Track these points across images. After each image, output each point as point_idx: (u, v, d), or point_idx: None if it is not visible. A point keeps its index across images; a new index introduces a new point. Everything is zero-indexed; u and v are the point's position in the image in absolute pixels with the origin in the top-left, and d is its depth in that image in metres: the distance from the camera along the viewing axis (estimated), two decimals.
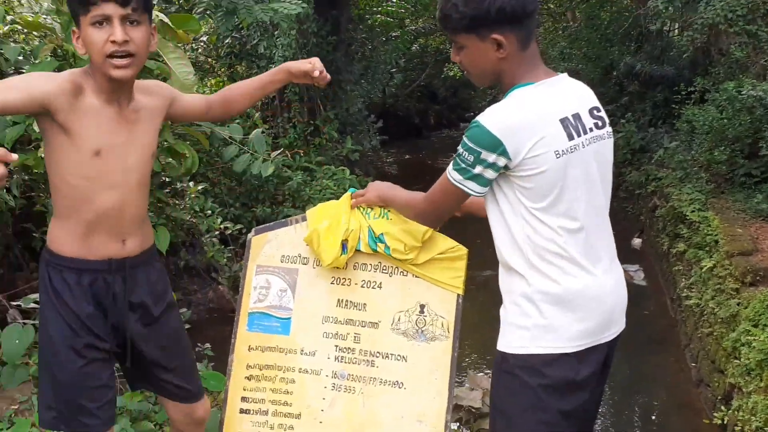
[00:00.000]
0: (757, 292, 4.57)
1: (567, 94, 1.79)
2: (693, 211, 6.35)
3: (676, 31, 10.99)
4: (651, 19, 9.34)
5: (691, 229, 6.28)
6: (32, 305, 3.93)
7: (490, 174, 1.70)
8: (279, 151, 5.03)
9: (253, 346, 2.31)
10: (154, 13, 2.89)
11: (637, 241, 8.21)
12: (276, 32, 8.80)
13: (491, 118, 1.69)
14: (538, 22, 1.71)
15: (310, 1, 8.49)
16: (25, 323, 3.29)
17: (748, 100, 6.38)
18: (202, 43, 10.11)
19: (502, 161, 1.68)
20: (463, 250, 2.25)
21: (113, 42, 1.76)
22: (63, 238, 1.95)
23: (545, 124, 1.69)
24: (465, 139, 1.72)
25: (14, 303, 4.15)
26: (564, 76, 1.83)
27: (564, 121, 1.72)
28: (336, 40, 9.98)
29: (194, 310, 6.20)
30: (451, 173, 1.75)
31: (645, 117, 10.59)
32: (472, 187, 1.73)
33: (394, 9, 14.36)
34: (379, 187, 2.23)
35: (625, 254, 7.47)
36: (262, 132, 4.52)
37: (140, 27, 1.82)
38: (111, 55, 1.77)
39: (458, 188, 1.74)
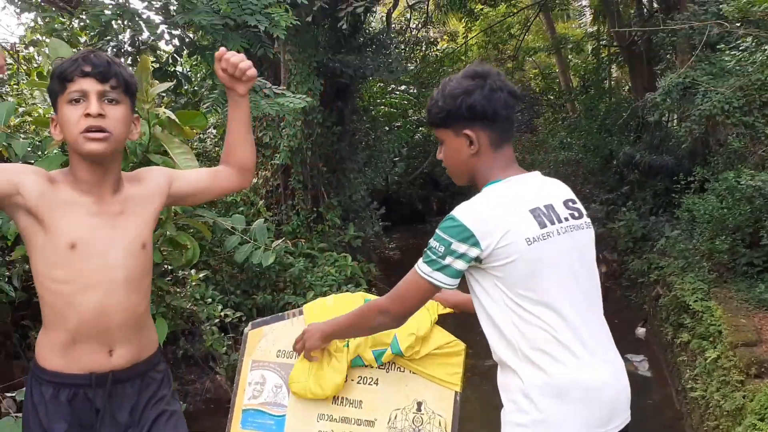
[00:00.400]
0: (762, 384, 4.50)
1: (538, 187, 1.88)
2: (696, 301, 6.31)
3: (675, 121, 11.22)
4: (649, 111, 9.55)
5: (695, 318, 6.23)
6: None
7: (460, 265, 1.75)
8: (281, 240, 5.06)
9: None
10: (161, 110, 2.99)
11: (641, 331, 8.11)
12: (282, 123, 9.00)
13: (463, 211, 1.78)
14: (512, 130, 1.80)
15: (316, 93, 8.75)
16: (17, 416, 3.23)
17: (748, 189, 6.46)
18: (210, 134, 10.36)
19: (473, 252, 1.73)
20: (461, 346, 2.24)
21: (87, 115, 1.69)
22: (45, 348, 1.82)
23: (515, 214, 1.77)
24: (438, 231, 1.79)
25: (9, 394, 4.10)
26: (536, 174, 1.93)
27: (534, 211, 1.79)
28: (341, 130, 10.21)
29: (191, 401, 6.10)
30: (420, 266, 1.81)
31: (646, 205, 10.67)
32: (440, 278, 1.77)
33: (397, 100, 14.75)
34: (315, 329, 2.16)
35: (629, 344, 7.40)
36: (265, 221, 4.56)
37: (119, 106, 1.76)
38: (86, 130, 1.70)
39: (427, 281, 1.79)
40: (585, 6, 17.40)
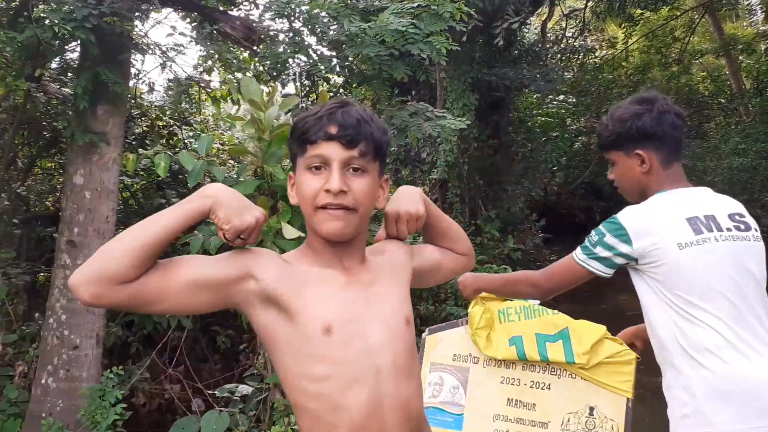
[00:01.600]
0: None
1: (701, 200, 2.00)
2: None
3: None
4: None
5: None
6: (226, 394, 4.34)
7: (609, 255, 1.96)
8: None
9: None
10: None
11: None
12: (438, 139, 9.25)
13: (624, 213, 1.99)
14: (680, 149, 1.95)
15: (471, 109, 8.92)
16: (221, 410, 3.66)
17: None
18: None
19: (623, 248, 1.93)
20: (632, 355, 2.32)
21: (327, 191, 1.41)
22: None
23: (670, 220, 1.92)
24: (599, 227, 2.01)
25: (209, 392, 4.60)
26: (705, 189, 2.05)
27: (692, 219, 1.92)
28: (497, 143, 10.29)
29: None
30: (576, 253, 2.05)
31: None
32: (593, 265, 2.00)
33: (554, 110, 14.57)
34: (466, 280, 2.38)
35: None
36: None
37: (365, 177, 1.44)
38: (324, 207, 1.42)
39: (580, 266, 2.03)
40: (755, 4, 16.28)
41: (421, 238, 1.83)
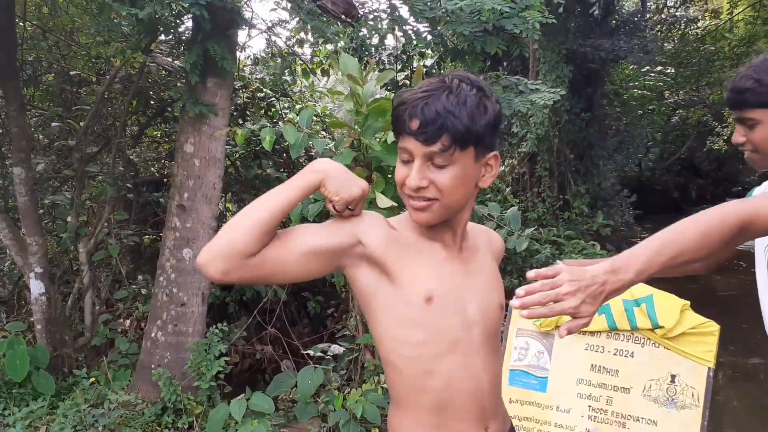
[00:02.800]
0: None
1: None
2: None
3: None
4: None
5: None
6: (319, 353, 4.61)
7: None
8: (533, 228, 5.32)
9: (513, 399, 2.62)
10: None
11: None
12: (529, 112, 9.21)
13: None
14: None
15: (565, 81, 8.83)
16: (316, 367, 3.92)
17: None
18: None
19: None
20: (715, 327, 2.39)
21: (407, 186, 1.46)
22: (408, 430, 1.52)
23: None
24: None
25: (303, 352, 4.88)
26: None
27: None
28: (589, 116, 10.14)
29: None
30: None
31: None
32: None
33: (652, 82, 14.15)
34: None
35: None
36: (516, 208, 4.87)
37: (448, 169, 1.42)
38: (409, 197, 1.47)
39: None
40: None
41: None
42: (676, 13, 13.56)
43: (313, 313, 6.49)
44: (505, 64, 9.71)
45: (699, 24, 14.69)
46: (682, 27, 13.51)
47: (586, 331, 2.54)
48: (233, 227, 1.35)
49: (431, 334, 1.46)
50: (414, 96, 1.42)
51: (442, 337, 1.46)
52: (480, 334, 1.52)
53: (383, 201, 3.26)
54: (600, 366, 2.52)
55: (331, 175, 1.40)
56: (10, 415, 4.18)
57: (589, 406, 2.52)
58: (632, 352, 2.49)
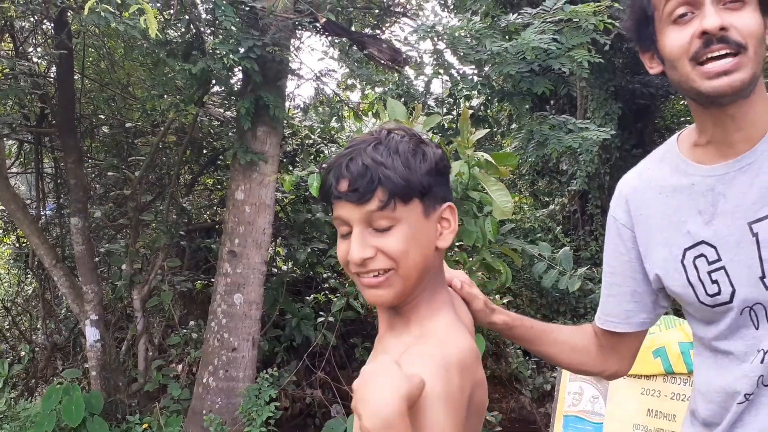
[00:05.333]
0: None
1: None
2: None
3: None
4: None
5: None
6: None
7: None
8: (586, 267, 5.23)
9: None
10: (479, 153, 3.42)
11: None
12: (579, 149, 9.14)
13: None
14: None
15: (614, 118, 8.75)
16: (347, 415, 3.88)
17: None
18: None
19: None
20: None
21: (348, 262, 1.21)
22: None
23: None
24: None
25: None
26: None
27: None
28: (641, 152, 9.96)
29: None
30: None
31: None
32: None
33: None
34: None
35: None
36: (568, 248, 4.80)
37: (394, 230, 1.17)
38: (358, 275, 1.22)
39: None
40: None
41: None
42: None
43: (361, 359, 6.47)
44: (552, 103, 9.68)
45: None
46: None
47: (641, 375, 2.46)
48: None
49: None
50: (339, 157, 1.21)
51: None
52: None
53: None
54: (656, 411, 2.44)
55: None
56: None
57: None
58: (689, 396, 2.40)
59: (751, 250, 1.25)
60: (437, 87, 5.10)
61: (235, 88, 5.04)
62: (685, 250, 1.34)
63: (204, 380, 4.98)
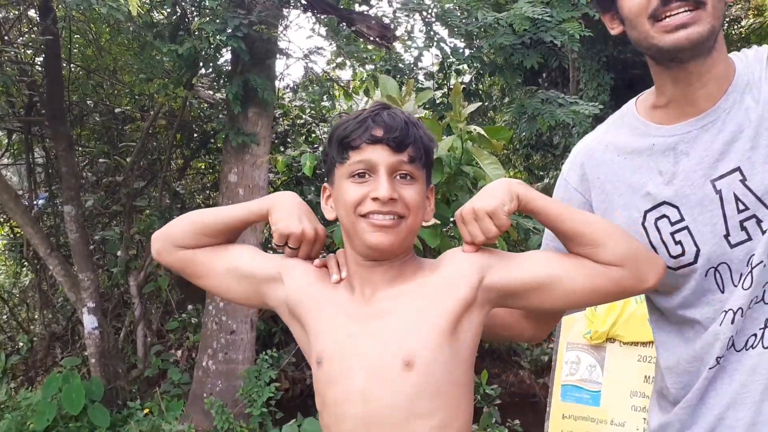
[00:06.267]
0: None
1: None
2: None
3: None
4: None
5: None
6: None
7: None
8: None
9: (567, 415, 2.56)
10: (472, 127, 3.40)
11: None
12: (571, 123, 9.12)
13: None
14: None
15: (606, 89, 8.73)
16: None
17: None
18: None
19: None
20: None
21: (375, 199, 1.23)
22: None
23: None
24: None
25: None
26: None
27: None
28: None
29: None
30: None
31: None
32: None
33: None
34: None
35: None
36: None
37: (415, 185, 1.27)
38: (369, 215, 1.24)
39: None
40: None
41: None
42: None
43: None
44: (544, 75, 9.64)
45: (742, 23, 14.41)
46: (726, 27, 13.26)
47: (638, 342, 2.47)
48: (179, 219, 1.43)
49: (324, 400, 1.29)
50: (364, 112, 1.31)
51: (332, 407, 1.28)
52: (371, 407, 1.22)
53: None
54: (653, 377, 2.44)
55: (279, 205, 1.35)
56: None
57: (644, 419, 2.44)
58: None
59: (715, 207, 1.23)
60: (427, 61, 5.08)
61: (224, 69, 4.99)
62: (646, 212, 1.30)
63: (204, 364, 4.99)
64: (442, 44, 4.49)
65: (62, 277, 5.27)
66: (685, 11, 1.16)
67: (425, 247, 3.53)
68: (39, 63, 6.00)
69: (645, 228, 1.30)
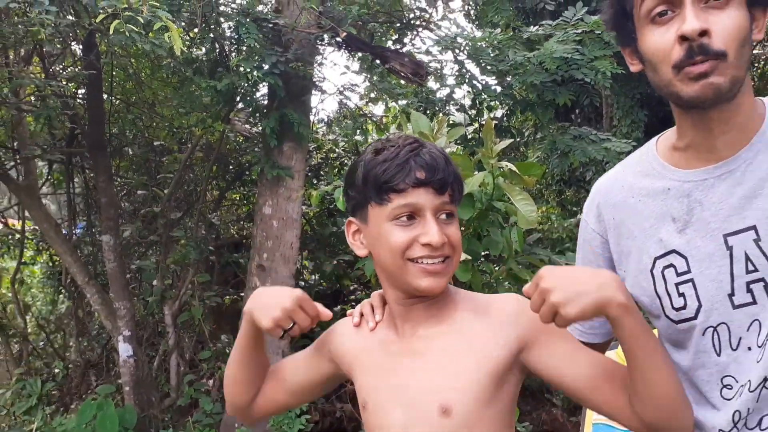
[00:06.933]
0: None
1: None
2: None
3: None
4: None
5: None
6: None
7: None
8: None
9: None
10: (503, 163, 3.43)
11: None
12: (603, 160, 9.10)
13: None
14: None
15: (641, 125, 8.70)
16: None
17: None
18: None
19: None
20: None
21: (425, 245, 1.23)
22: None
23: None
24: None
25: None
26: None
27: None
28: None
29: None
30: None
31: None
32: None
33: None
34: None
35: None
36: None
37: (455, 222, 1.28)
38: (418, 260, 1.24)
39: None
40: None
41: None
42: (755, 51, 13.23)
43: None
44: (577, 111, 9.65)
45: None
46: (762, 65, 13.15)
47: None
48: (226, 388, 1.47)
49: None
50: (401, 151, 1.26)
51: None
52: None
53: None
54: None
55: (254, 306, 1.33)
56: None
57: None
58: None
59: (723, 264, 1.17)
60: (460, 93, 5.13)
61: (261, 104, 5.11)
62: (656, 258, 1.25)
63: None
64: (474, 81, 4.56)
65: (99, 305, 5.37)
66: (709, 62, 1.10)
67: (456, 281, 3.55)
68: (81, 96, 6.20)
69: (653, 275, 1.26)
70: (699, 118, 1.19)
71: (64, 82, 5.88)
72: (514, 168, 3.38)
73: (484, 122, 3.92)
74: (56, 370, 6.56)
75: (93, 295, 5.34)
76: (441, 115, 4.67)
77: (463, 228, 3.73)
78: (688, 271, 1.21)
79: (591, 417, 2.57)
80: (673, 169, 1.25)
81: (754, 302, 1.15)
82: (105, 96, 5.83)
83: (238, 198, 7.87)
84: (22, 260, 6.98)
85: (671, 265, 1.23)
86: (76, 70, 5.68)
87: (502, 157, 3.68)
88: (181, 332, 6.04)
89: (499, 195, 3.51)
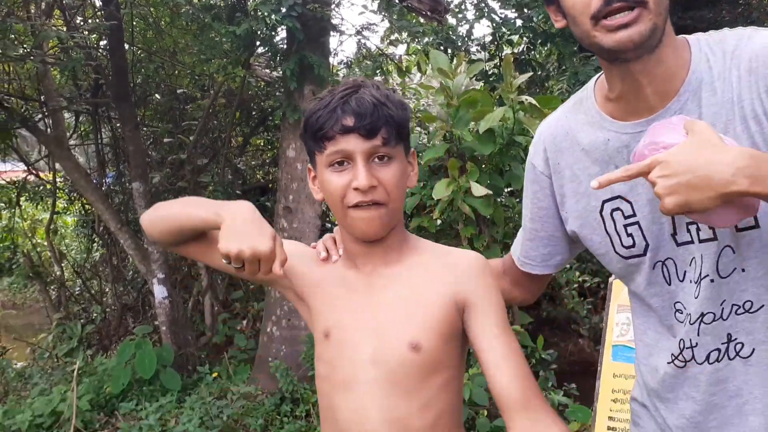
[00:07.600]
0: None
1: None
2: None
3: None
4: None
5: None
6: None
7: None
8: None
9: (617, 374, 2.65)
10: (523, 97, 3.46)
11: None
12: None
13: None
14: None
15: None
16: None
17: None
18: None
19: None
20: None
21: (356, 189, 1.29)
22: None
23: None
24: None
25: None
26: None
27: None
28: None
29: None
30: None
31: None
32: None
33: None
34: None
35: None
36: None
37: (392, 163, 1.32)
38: (356, 206, 1.30)
39: None
40: None
41: None
42: None
43: None
44: None
45: None
46: None
47: None
48: (149, 223, 1.48)
49: (329, 369, 1.38)
50: (333, 99, 1.31)
51: (338, 373, 1.36)
52: (379, 373, 1.32)
53: (478, 190, 3.32)
54: None
55: (227, 224, 1.30)
56: (142, 409, 4.53)
57: None
58: None
59: None
60: (479, 31, 5.10)
61: (280, 48, 5.14)
62: (604, 201, 1.34)
63: (268, 330, 5.20)
64: (493, 15, 4.53)
65: (132, 250, 5.55)
66: (627, 11, 1.14)
67: (477, 216, 3.62)
68: (103, 47, 6.26)
69: (602, 216, 1.36)
70: (625, 70, 1.22)
71: (86, 34, 5.95)
72: (534, 102, 3.40)
73: (503, 57, 3.92)
74: (94, 314, 6.82)
75: (126, 240, 5.51)
76: (459, 51, 4.66)
77: (484, 164, 3.78)
78: (634, 215, 1.31)
79: (611, 339, 2.67)
80: (610, 121, 1.31)
81: (692, 241, 1.26)
82: (127, 46, 5.89)
83: (262, 143, 7.96)
84: (55, 210, 7.18)
85: (618, 209, 1.33)
86: (97, 21, 5.73)
87: (526, 91, 3.69)
88: (213, 275, 6.23)
89: (519, 129, 3.55)
